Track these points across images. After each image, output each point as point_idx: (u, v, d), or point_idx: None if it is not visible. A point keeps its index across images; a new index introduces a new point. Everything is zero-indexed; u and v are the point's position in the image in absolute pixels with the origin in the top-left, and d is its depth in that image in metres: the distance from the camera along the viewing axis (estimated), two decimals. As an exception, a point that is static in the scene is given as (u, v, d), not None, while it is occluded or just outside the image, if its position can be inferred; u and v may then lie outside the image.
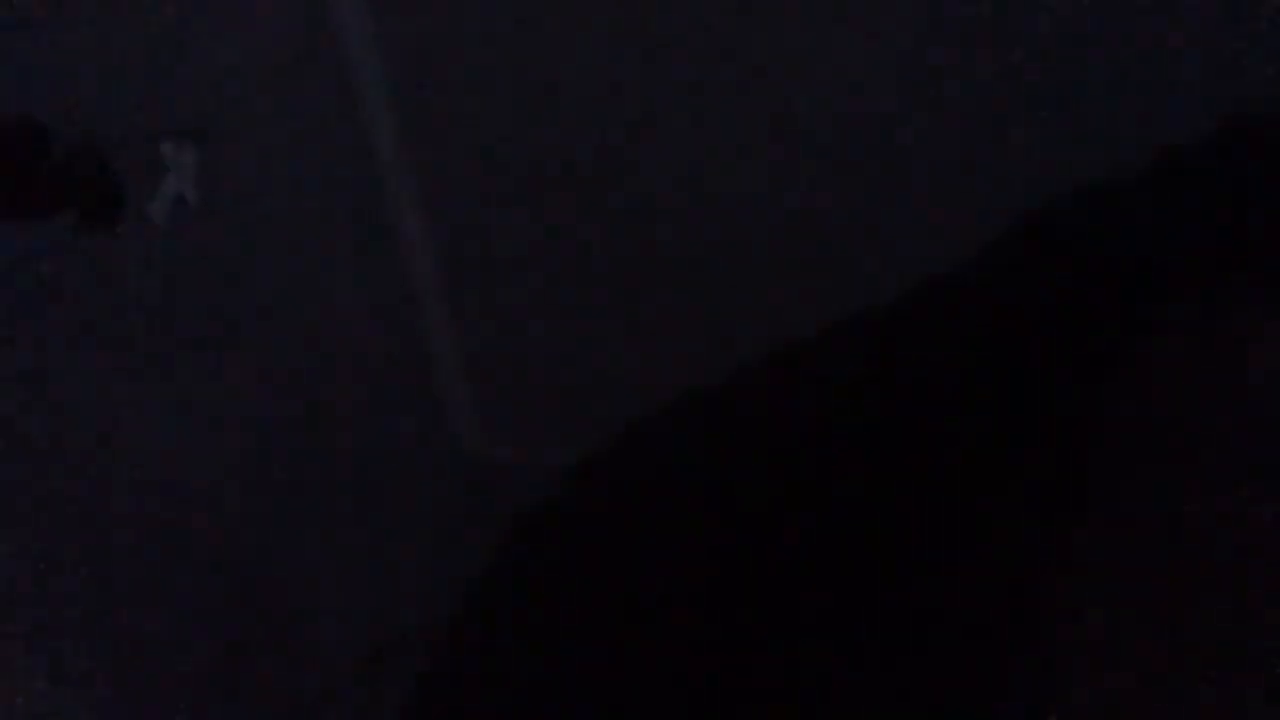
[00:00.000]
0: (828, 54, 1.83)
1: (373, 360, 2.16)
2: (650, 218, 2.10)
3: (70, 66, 1.25)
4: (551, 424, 2.18)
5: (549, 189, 2.13)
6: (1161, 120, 1.35)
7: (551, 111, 2.02)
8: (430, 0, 1.97)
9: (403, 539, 2.22)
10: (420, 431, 2.36)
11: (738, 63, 1.91)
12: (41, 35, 1.21)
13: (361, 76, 1.98)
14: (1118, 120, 1.33)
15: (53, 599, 1.21)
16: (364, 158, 2.03)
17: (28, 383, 1.27)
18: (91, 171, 1.22)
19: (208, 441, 1.59)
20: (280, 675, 1.71)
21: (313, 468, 1.85)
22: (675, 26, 1.91)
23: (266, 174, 1.74)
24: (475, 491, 2.42)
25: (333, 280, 1.96)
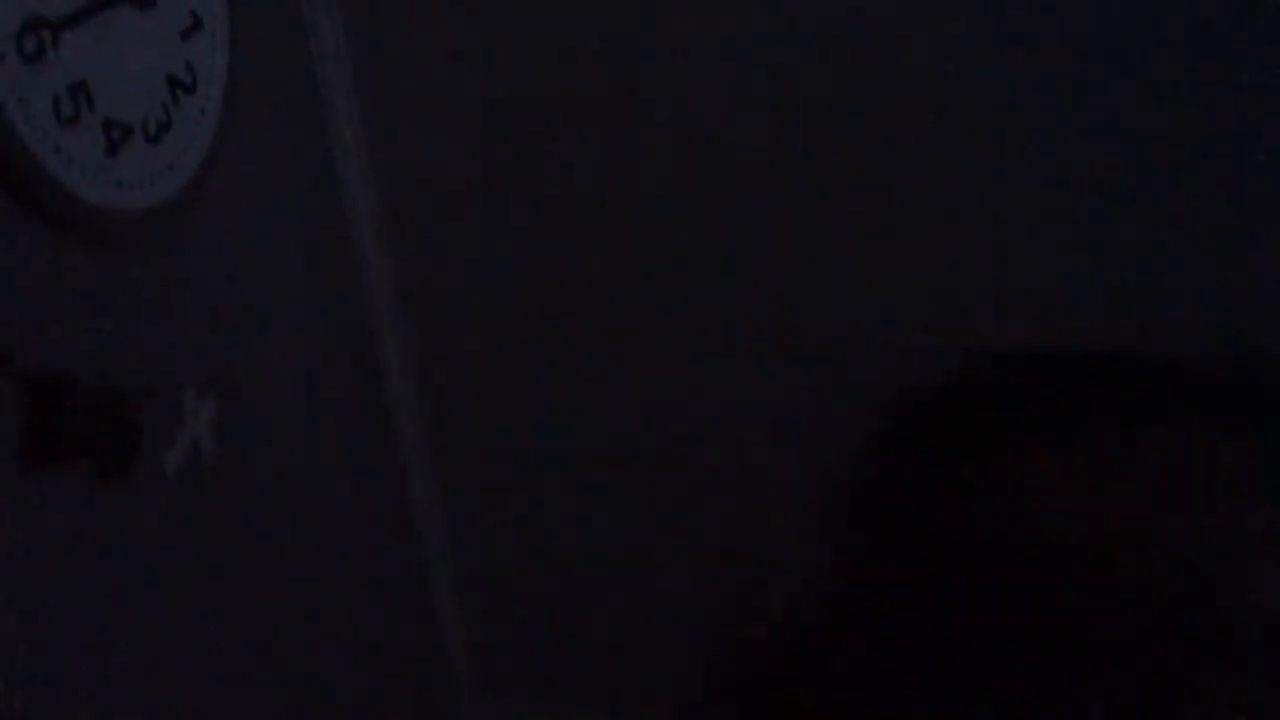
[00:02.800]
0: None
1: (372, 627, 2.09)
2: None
3: (100, 313, 1.24)
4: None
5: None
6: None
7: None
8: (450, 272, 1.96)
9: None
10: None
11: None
12: (73, 289, 1.20)
13: (386, 336, 2.00)
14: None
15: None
16: (381, 414, 2.04)
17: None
18: (110, 422, 1.20)
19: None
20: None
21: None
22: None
23: (285, 427, 1.72)
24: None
25: (343, 532, 1.94)
